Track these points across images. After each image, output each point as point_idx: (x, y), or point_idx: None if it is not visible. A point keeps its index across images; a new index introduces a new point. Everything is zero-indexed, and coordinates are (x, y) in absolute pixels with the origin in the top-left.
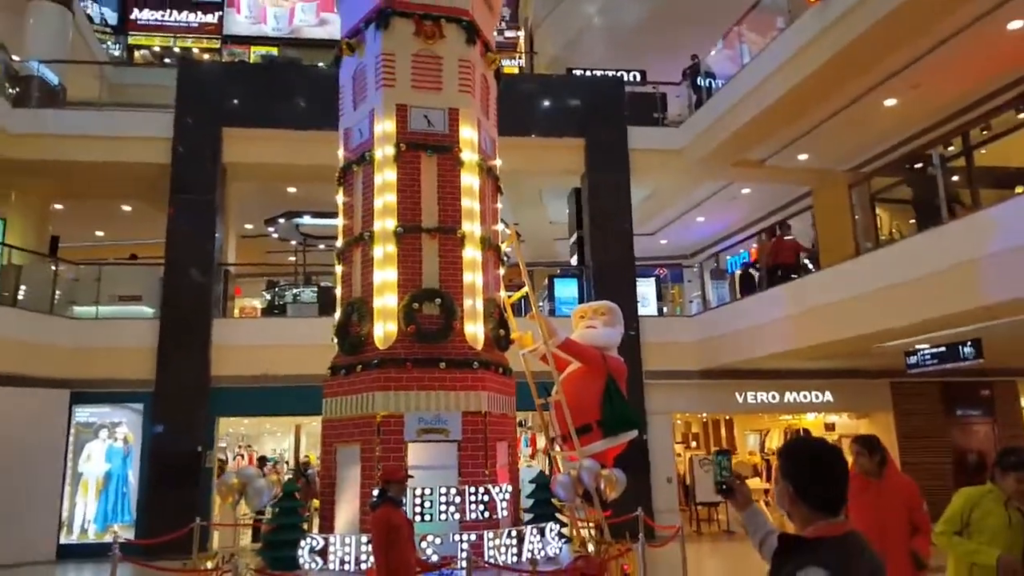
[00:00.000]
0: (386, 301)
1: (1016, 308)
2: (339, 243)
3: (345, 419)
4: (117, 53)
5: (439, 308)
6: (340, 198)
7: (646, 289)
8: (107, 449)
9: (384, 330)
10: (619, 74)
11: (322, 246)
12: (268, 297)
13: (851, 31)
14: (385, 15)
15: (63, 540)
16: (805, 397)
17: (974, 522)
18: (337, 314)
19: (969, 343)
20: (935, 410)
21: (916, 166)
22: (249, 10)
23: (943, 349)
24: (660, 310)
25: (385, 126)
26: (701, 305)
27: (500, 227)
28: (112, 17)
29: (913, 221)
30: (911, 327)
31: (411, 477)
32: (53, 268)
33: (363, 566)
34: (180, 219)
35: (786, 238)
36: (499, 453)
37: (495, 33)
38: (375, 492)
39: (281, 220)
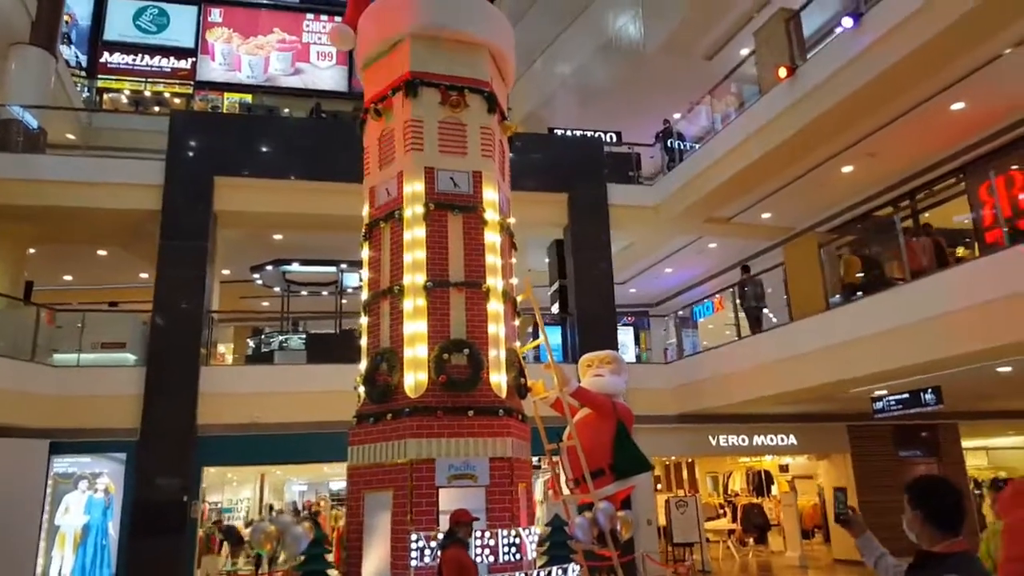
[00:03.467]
0: (417, 352)
1: (974, 358)
2: (364, 295)
3: (374, 466)
4: (87, 95)
5: (467, 358)
6: (366, 253)
7: (624, 336)
8: (87, 500)
9: (415, 379)
10: (598, 135)
11: (304, 292)
12: (252, 344)
13: (816, 107)
14: (414, 85)
15: None
16: (771, 440)
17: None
18: (363, 364)
19: (930, 390)
20: (888, 452)
21: (868, 228)
22: (224, 58)
23: (907, 396)
24: (638, 357)
25: (415, 187)
26: (676, 352)
27: (514, 280)
28: (84, 60)
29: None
30: (877, 375)
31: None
32: (36, 314)
33: None
34: (170, 266)
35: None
36: (521, 496)
37: None
38: (420, 535)
39: (269, 267)
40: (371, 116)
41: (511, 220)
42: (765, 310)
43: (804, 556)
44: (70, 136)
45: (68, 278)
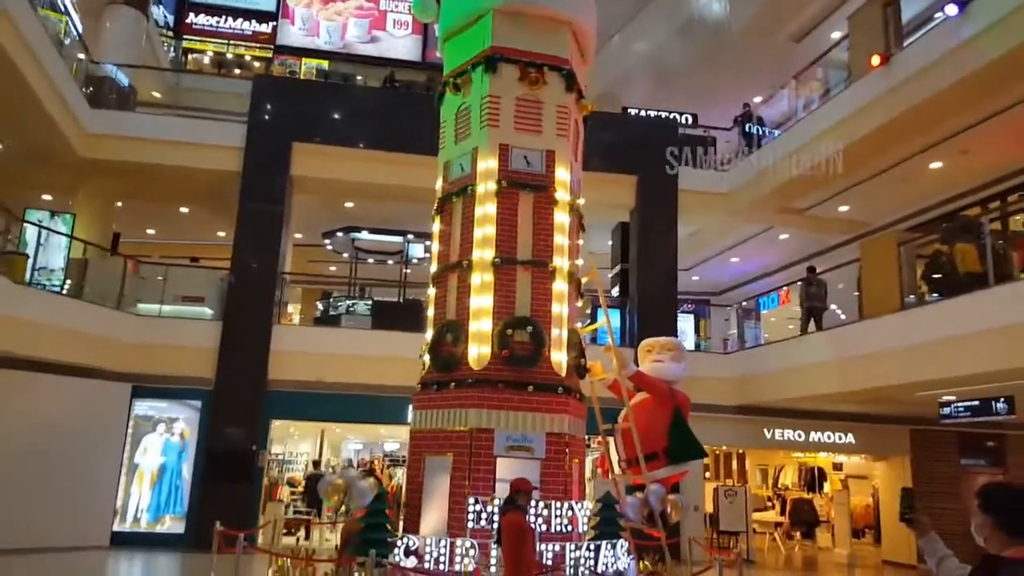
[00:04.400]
0: (481, 325)
1: None
2: (433, 268)
3: (436, 431)
4: (172, 55)
5: (529, 335)
6: (437, 226)
7: (684, 324)
8: (164, 443)
9: (479, 352)
10: (672, 116)
11: (371, 260)
12: (320, 307)
13: (910, 98)
14: (494, 61)
15: (116, 527)
16: (828, 437)
17: None
18: (429, 333)
19: (1003, 399)
20: (950, 459)
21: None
22: (303, 22)
23: (977, 403)
24: (697, 345)
25: (488, 163)
26: (737, 343)
27: (580, 262)
28: (171, 19)
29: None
30: (948, 380)
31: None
32: (123, 265)
33: (458, 566)
34: (248, 227)
35: None
36: (574, 472)
37: None
38: (477, 498)
39: (339, 234)
40: (449, 90)
41: (581, 201)
42: (832, 307)
43: (853, 555)
44: (156, 94)
45: (151, 232)
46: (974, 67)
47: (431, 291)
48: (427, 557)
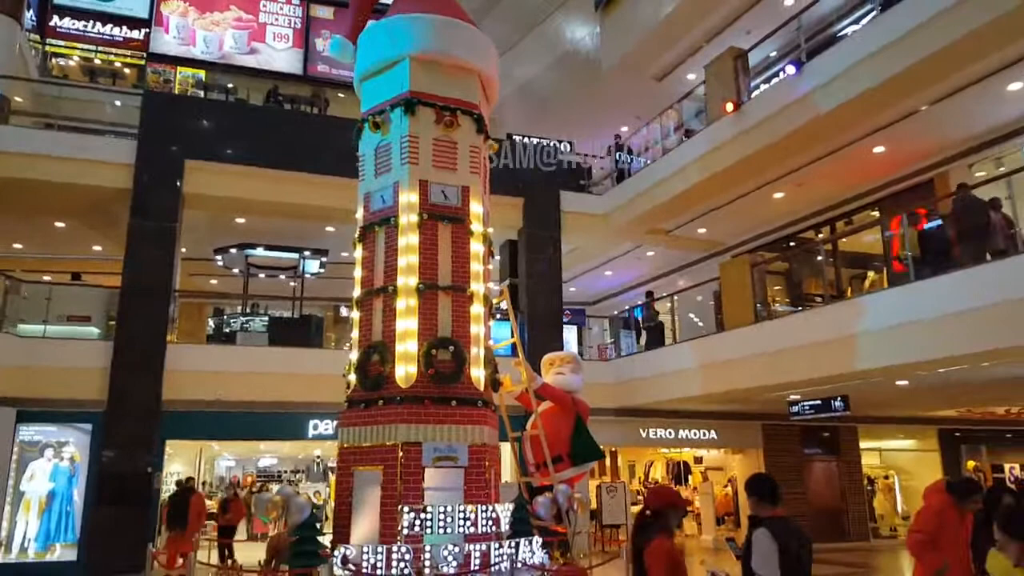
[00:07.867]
0: (408, 346)
1: (880, 373)
2: (357, 292)
3: (365, 447)
4: (38, 61)
5: (451, 354)
6: (359, 253)
7: (569, 335)
8: (52, 468)
9: (406, 371)
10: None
11: (262, 275)
12: (213, 324)
13: (757, 141)
14: (412, 103)
15: (2, 559)
16: (695, 434)
17: None
18: (354, 354)
19: (839, 398)
20: (795, 449)
21: (790, 247)
22: (178, 31)
23: (819, 402)
24: (581, 354)
25: (410, 197)
26: (614, 351)
27: (491, 284)
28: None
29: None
30: (795, 383)
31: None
32: (2, 284)
33: (395, 571)
34: (138, 244)
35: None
36: (493, 477)
37: None
38: (409, 506)
39: (233, 250)
40: (369, 127)
41: (491, 230)
42: (691, 316)
43: (717, 539)
44: (18, 99)
45: (18, 246)
46: (808, 117)
47: (355, 314)
48: (364, 565)
